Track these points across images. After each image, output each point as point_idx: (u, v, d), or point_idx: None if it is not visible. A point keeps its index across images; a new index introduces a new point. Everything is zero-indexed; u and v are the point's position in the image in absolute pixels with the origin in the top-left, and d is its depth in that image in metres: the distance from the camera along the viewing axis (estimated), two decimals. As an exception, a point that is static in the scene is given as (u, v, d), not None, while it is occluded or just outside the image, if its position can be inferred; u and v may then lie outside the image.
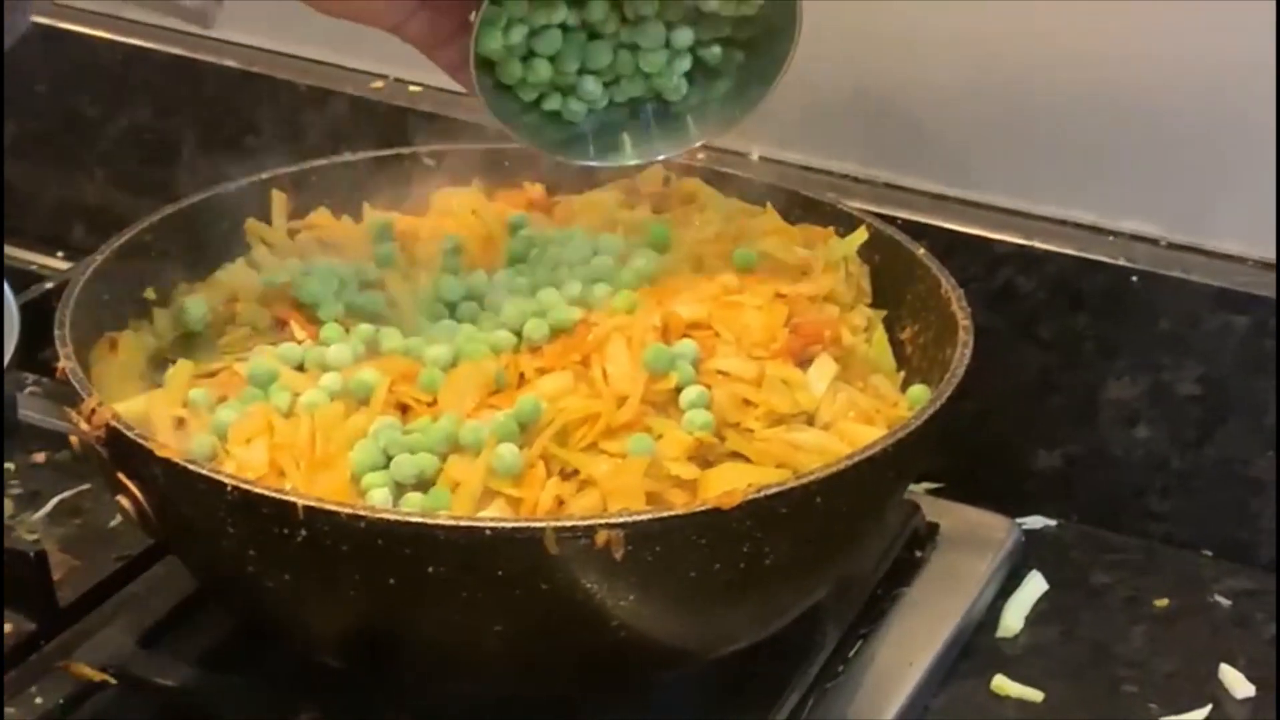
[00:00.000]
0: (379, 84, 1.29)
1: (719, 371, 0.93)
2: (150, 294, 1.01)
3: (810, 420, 0.93)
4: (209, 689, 0.93)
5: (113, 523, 1.08)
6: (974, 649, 1.04)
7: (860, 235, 1.04)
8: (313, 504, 0.81)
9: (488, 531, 0.80)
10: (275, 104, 1.29)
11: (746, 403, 0.92)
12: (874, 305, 1.03)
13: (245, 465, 0.87)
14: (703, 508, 0.82)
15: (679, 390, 0.92)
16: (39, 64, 1.38)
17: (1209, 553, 1.13)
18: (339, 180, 1.09)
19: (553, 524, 0.80)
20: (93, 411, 0.87)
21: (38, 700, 0.93)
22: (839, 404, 0.93)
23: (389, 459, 0.88)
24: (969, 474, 1.15)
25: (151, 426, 0.90)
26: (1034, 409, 1.14)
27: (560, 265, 1.01)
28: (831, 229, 1.05)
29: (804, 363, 0.95)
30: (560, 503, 0.87)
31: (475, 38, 0.94)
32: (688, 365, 0.92)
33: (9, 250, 1.31)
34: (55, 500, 1.11)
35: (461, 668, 0.89)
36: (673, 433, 0.89)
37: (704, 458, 0.90)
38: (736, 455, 0.90)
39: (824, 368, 0.95)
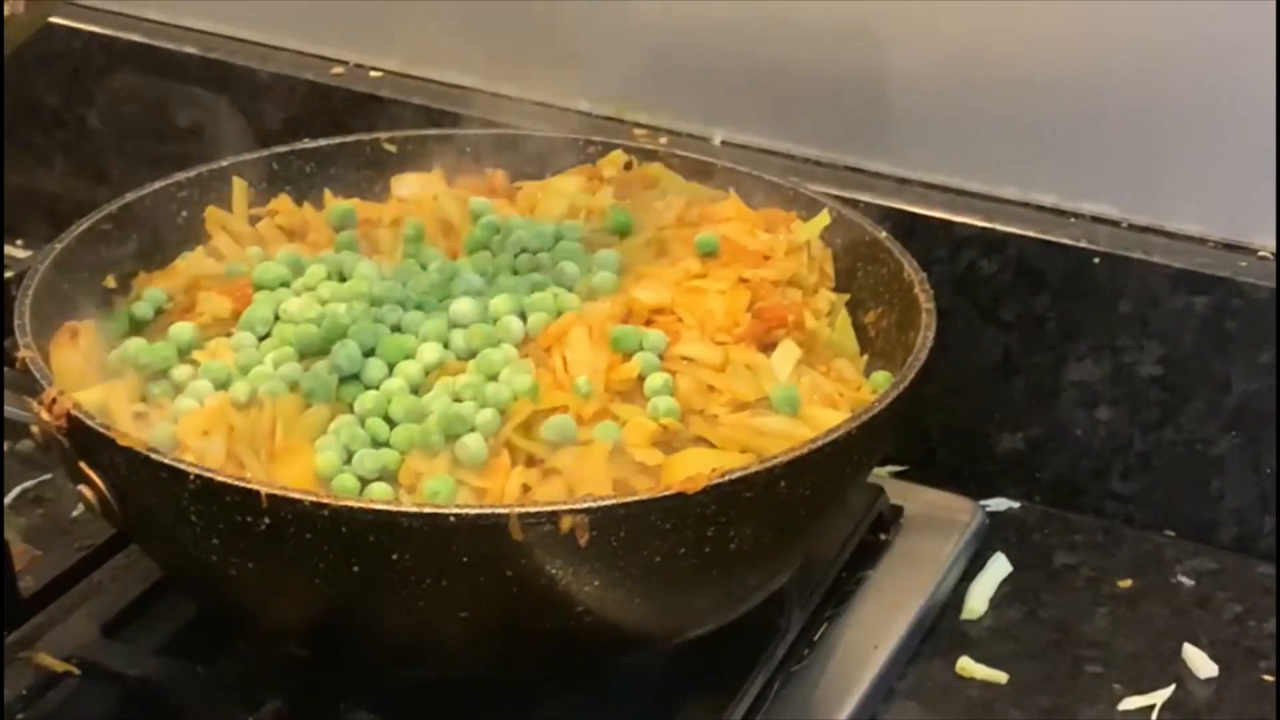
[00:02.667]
0: (339, 70, 1.28)
1: (683, 357, 0.93)
2: (110, 282, 1.01)
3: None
4: (173, 678, 0.93)
5: (75, 512, 1.07)
6: (938, 631, 1.04)
7: (823, 219, 1.04)
8: (276, 492, 0.81)
9: (452, 518, 0.80)
10: (234, 90, 1.29)
11: (710, 389, 0.92)
12: (837, 289, 1.03)
13: (203, 457, 0.87)
14: (667, 492, 0.82)
15: (643, 378, 0.92)
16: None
17: (1171, 533, 1.13)
18: (300, 167, 1.09)
19: (517, 510, 0.80)
20: (53, 401, 0.87)
21: (1, 690, 0.93)
22: (802, 388, 0.93)
23: (351, 455, 0.88)
24: (932, 456, 1.16)
25: (111, 416, 0.89)
26: (996, 391, 1.15)
27: (523, 252, 1.01)
28: (794, 213, 1.05)
29: (767, 347, 0.95)
30: (526, 490, 0.86)
31: None
32: (650, 355, 0.92)
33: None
34: (17, 490, 1.11)
35: (426, 654, 0.89)
36: (637, 419, 0.89)
37: (668, 444, 0.90)
38: (701, 441, 0.90)
39: (787, 352, 0.95)
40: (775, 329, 0.96)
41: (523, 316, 0.95)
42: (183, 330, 0.95)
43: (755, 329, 0.95)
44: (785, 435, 0.89)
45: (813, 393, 0.94)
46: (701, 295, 0.97)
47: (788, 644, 0.99)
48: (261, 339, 0.95)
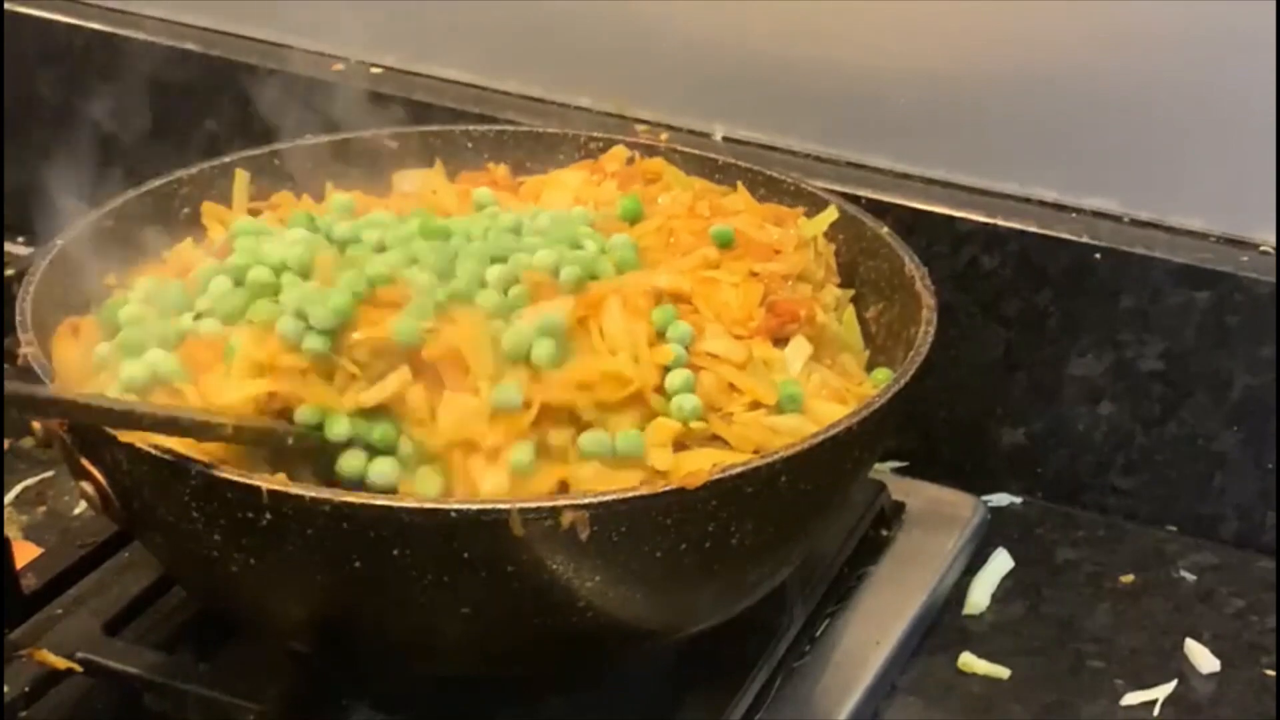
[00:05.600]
0: (340, 66, 1.28)
1: (708, 353, 0.91)
2: (112, 279, 1.01)
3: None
4: (174, 675, 0.93)
5: (76, 510, 1.08)
6: (940, 627, 1.04)
7: (830, 214, 1.04)
8: (277, 488, 0.81)
9: (453, 514, 0.80)
10: (235, 87, 1.29)
11: (731, 387, 0.91)
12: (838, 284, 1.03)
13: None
14: (668, 488, 0.82)
15: (665, 369, 0.90)
16: (-3, 48, 1.37)
17: (1173, 528, 1.13)
18: (301, 163, 1.09)
19: (518, 506, 0.80)
20: (55, 398, 0.87)
21: (2, 688, 0.93)
22: (812, 384, 0.93)
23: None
24: (934, 452, 1.16)
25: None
26: (998, 386, 1.15)
27: (529, 235, 0.99)
28: (800, 209, 1.05)
29: (779, 342, 0.95)
30: (564, 486, 0.86)
31: None
32: (680, 347, 0.90)
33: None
34: (18, 488, 1.11)
35: (427, 650, 0.89)
36: (662, 420, 0.88)
37: (681, 442, 0.89)
38: (716, 439, 0.89)
39: (799, 348, 0.95)
40: (789, 324, 0.95)
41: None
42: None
43: (769, 323, 0.95)
44: (799, 434, 0.88)
45: (822, 388, 0.93)
46: (716, 286, 0.95)
47: (789, 640, 0.99)
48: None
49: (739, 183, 1.07)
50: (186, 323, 0.92)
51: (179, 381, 0.88)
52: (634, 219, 1.02)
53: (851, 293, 1.02)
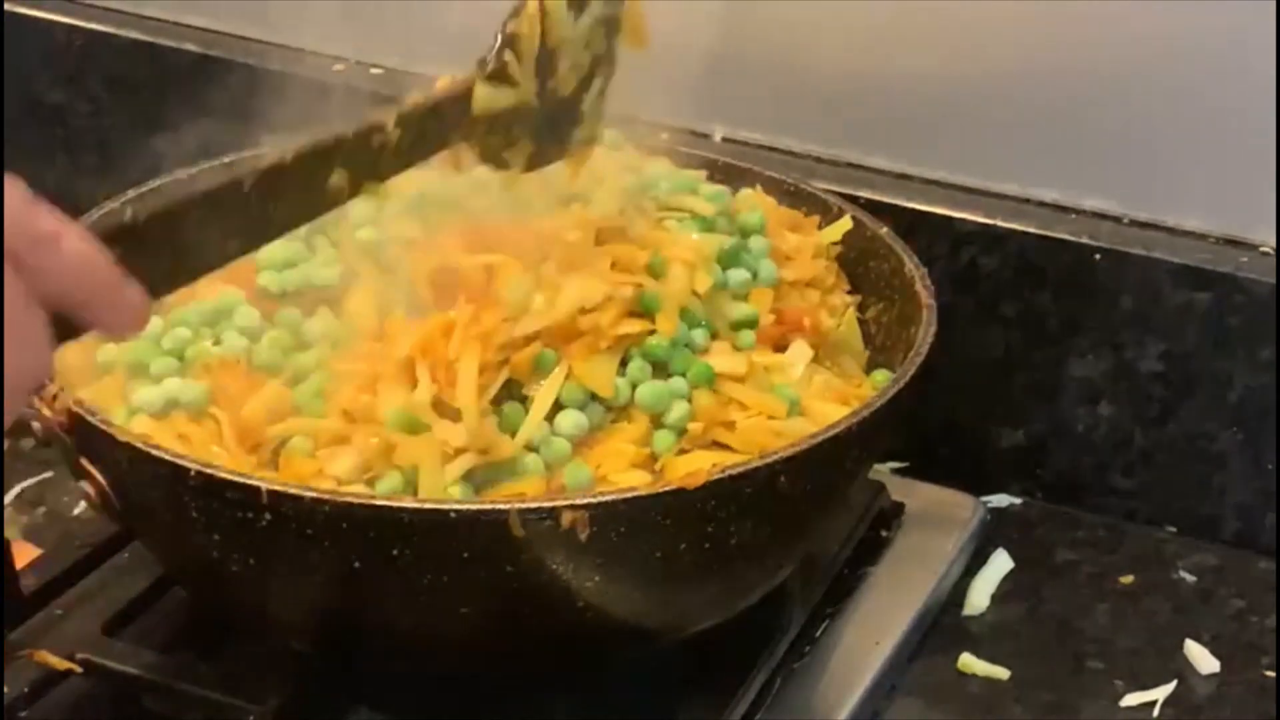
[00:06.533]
0: (340, 67, 1.28)
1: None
2: (112, 279, 1.01)
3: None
4: (174, 675, 0.93)
5: (76, 510, 1.08)
6: (940, 627, 1.04)
7: (845, 224, 1.03)
8: (277, 488, 0.81)
9: (452, 514, 0.80)
10: (235, 88, 1.29)
11: (731, 400, 0.91)
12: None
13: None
14: (667, 488, 0.82)
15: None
16: (-3, 50, 1.37)
17: (1173, 529, 1.13)
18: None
19: (517, 506, 0.80)
20: (54, 397, 0.87)
21: (2, 688, 0.93)
22: (814, 386, 0.93)
23: None
24: (934, 453, 1.16)
25: (105, 413, 0.89)
26: (998, 387, 1.15)
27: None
28: (816, 217, 1.05)
29: (781, 346, 0.95)
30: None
31: None
32: (683, 404, 0.90)
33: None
34: (18, 489, 1.11)
35: (427, 650, 0.89)
36: (620, 447, 0.88)
37: (685, 448, 0.89)
38: (717, 445, 0.89)
39: (799, 353, 0.95)
40: (793, 332, 0.96)
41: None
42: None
43: (773, 333, 0.95)
44: (799, 435, 0.88)
45: (825, 391, 0.94)
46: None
47: (789, 641, 0.99)
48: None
49: (758, 186, 1.06)
50: (205, 348, 0.93)
51: (205, 406, 0.89)
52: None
53: (858, 299, 1.02)
